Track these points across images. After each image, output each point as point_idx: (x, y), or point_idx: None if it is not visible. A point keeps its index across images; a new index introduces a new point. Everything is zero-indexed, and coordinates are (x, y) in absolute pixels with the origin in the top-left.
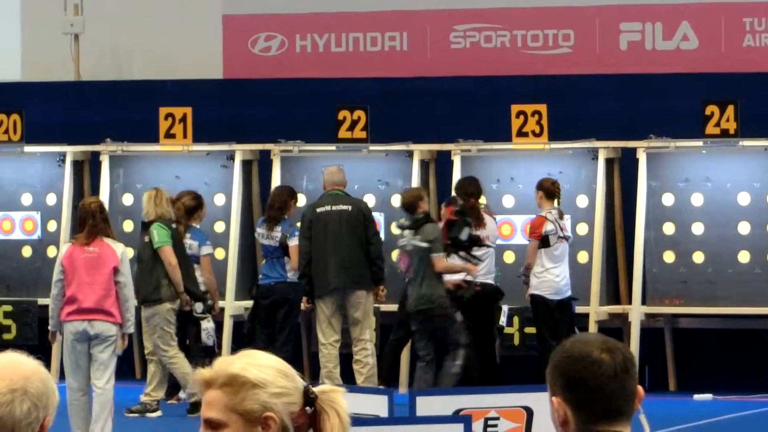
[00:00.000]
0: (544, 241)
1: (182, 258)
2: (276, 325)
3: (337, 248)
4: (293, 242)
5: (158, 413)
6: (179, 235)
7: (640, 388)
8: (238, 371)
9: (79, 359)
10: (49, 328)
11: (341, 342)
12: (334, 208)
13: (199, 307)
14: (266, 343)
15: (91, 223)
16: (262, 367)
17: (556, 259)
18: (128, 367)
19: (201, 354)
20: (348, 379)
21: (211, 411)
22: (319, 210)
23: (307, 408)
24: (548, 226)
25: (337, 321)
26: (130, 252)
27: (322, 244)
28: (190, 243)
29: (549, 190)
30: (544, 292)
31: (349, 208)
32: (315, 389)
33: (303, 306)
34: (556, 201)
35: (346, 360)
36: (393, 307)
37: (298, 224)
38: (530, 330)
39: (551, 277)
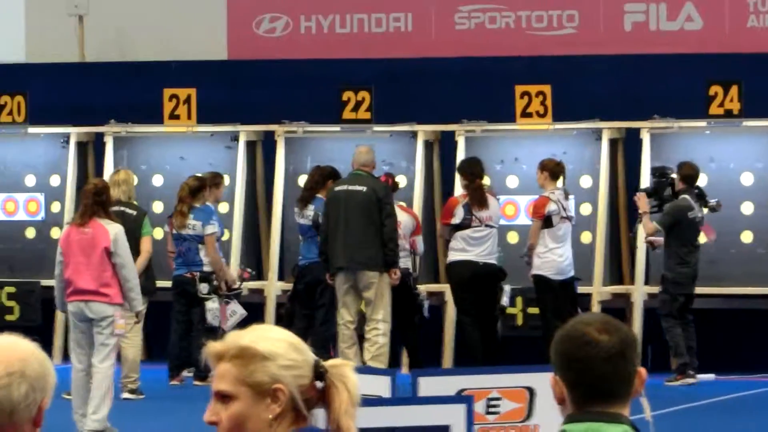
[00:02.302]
0: (547, 222)
1: None
2: (314, 304)
3: (347, 228)
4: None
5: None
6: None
7: (642, 370)
8: (249, 344)
9: (81, 339)
10: (57, 308)
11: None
12: (350, 187)
13: (204, 287)
14: (305, 322)
15: (84, 203)
16: (272, 340)
17: (559, 240)
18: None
19: (205, 335)
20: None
21: (221, 383)
22: (337, 188)
23: (318, 382)
24: (551, 206)
25: (352, 301)
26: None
27: (335, 222)
28: (193, 223)
29: (554, 170)
30: (547, 273)
31: (364, 188)
32: (325, 363)
33: (329, 282)
34: (561, 181)
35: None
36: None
37: None
38: (533, 310)
39: (554, 257)
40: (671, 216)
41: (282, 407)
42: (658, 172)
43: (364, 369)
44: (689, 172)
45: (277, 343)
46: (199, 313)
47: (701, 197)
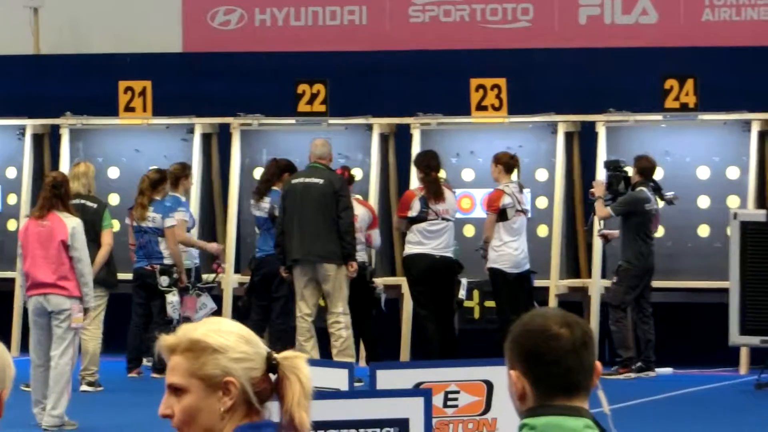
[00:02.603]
0: (502, 215)
1: None
2: (271, 296)
3: (303, 221)
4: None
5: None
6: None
7: (598, 363)
8: (200, 337)
9: (40, 336)
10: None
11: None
12: (306, 180)
13: (164, 280)
14: (262, 315)
15: (43, 196)
16: (223, 333)
17: (514, 233)
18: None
19: (164, 328)
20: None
21: (173, 376)
22: (293, 181)
23: (270, 375)
24: (506, 200)
25: (311, 294)
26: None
27: (291, 215)
28: (153, 216)
29: (508, 164)
30: (502, 266)
31: (321, 181)
32: (278, 356)
33: (283, 275)
34: (515, 174)
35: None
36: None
37: None
38: (490, 303)
39: (510, 251)
40: (627, 205)
41: (233, 400)
42: (612, 166)
43: (321, 362)
44: (646, 165)
45: (227, 336)
46: (158, 305)
47: (657, 190)
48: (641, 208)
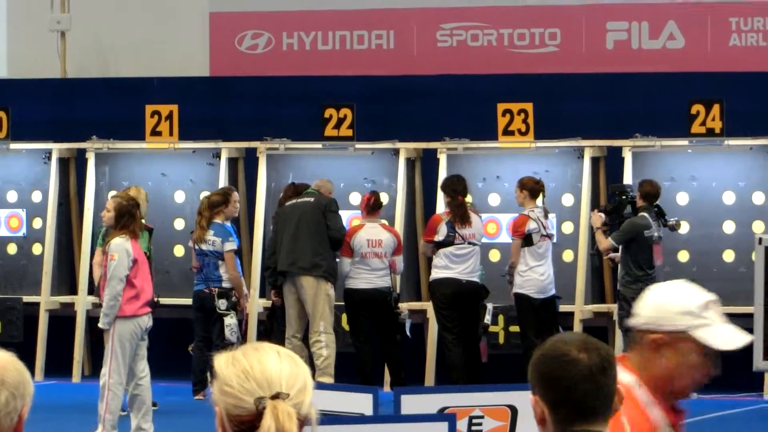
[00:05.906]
0: (527, 240)
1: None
2: None
3: (290, 236)
4: None
5: None
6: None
7: (620, 388)
8: (215, 358)
9: (132, 355)
10: (103, 326)
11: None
12: (297, 201)
13: (222, 303)
14: (283, 339)
15: (135, 221)
16: (231, 361)
17: (539, 258)
18: None
19: (223, 351)
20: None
21: None
22: (286, 204)
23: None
24: (531, 225)
25: (298, 313)
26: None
27: (281, 235)
28: (213, 239)
29: (533, 189)
30: (528, 291)
31: (311, 200)
32: (270, 403)
33: (272, 298)
34: (540, 199)
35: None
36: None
37: None
38: (515, 329)
39: (535, 276)
40: (625, 233)
41: (221, 427)
42: (618, 191)
43: (346, 387)
44: (649, 190)
45: (231, 366)
46: (218, 328)
47: (660, 215)
48: (640, 234)
